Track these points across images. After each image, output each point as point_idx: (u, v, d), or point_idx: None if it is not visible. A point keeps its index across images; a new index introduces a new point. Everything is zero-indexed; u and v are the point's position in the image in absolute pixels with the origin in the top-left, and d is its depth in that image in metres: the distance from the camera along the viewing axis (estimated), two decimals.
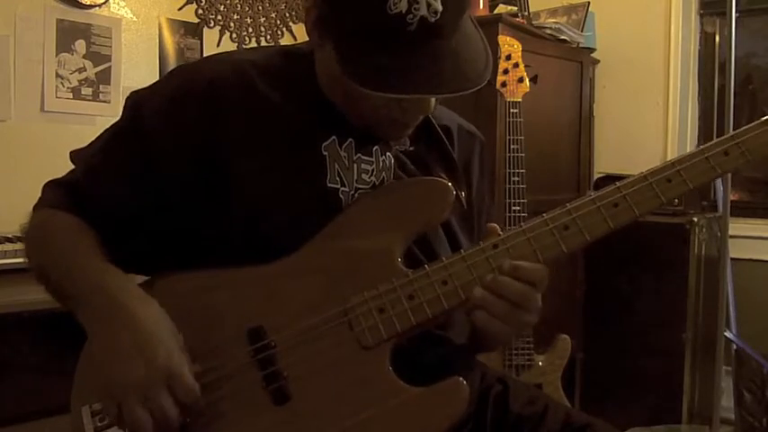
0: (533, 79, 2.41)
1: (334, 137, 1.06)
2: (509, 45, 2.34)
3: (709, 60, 3.36)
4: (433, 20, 0.91)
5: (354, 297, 0.98)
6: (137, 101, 1.08)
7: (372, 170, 1.08)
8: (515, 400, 1.19)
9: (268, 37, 3.42)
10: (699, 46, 3.36)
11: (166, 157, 1.03)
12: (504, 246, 0.98)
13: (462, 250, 1.00)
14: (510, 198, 2.38)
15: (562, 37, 3.06)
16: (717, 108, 3.25)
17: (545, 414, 1.17)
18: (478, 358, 1.23)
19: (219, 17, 3.24)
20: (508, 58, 2.34)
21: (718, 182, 2.67)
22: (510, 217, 2.35)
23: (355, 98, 0.99)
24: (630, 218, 0.98)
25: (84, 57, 2.77)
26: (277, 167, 1.03)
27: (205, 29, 3.19)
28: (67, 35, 2.73)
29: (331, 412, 0.95)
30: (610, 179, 2.99)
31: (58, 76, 2.71)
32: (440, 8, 0.92)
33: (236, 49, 3.21)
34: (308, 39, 1.08)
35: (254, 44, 3.37)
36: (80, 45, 2.76)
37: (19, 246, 2.10)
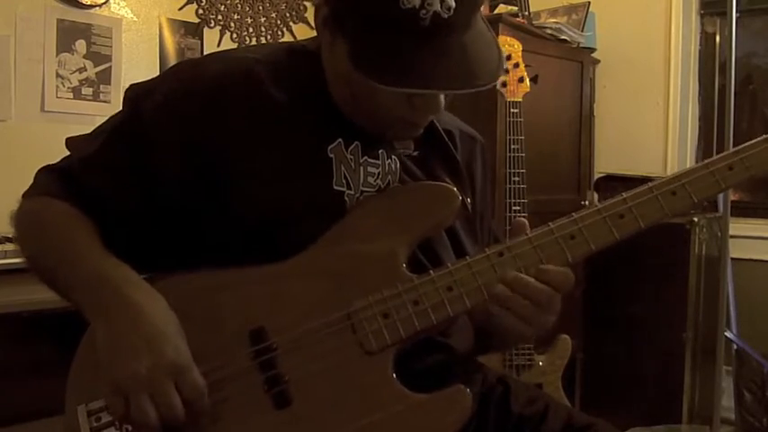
0: (534, 79, 2.41)
1: (340, 139, 1.05)
2: (509, 45, 2.34)
3: (709, 60, 3.36)
4: (446, 15, 0.91)
5: (358, 301, 0.97)
6: (137, 95, 1.06)
7: (378, 173, 1.07)
8: (516, 400, 1.19)
9: (268, 37, 3.42)
10: (699, 46, 3.36)
11: (164, 155, 1.01)
12: (510, 254, 0.98)
13: (468, 257, 0.99)
14: (510, 198, 2.38)
15: (562, 37, 3.06)
16: (717, 108, 3.25)
17: (546, 414, 1.16)
18: (478, 359, 1.23)
19: (220, 17, 3.24)
20: (508, 58, 2.33)
21: None
22: (510, 217, 2.35)
23: (365, 97, 0.99)
24: (635, 229, 0.99)
25: (84, 57, 2.78)
26: (281, 169, 1.02)
27: (205, 29, 3.20)
28: (68, 35, 2.73)
29: (332, 417, 0.95)
30: (610, 179, 3.00)
31: (58, 75, 2.71)
32: (453, 4, 0.91)
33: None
34: (310, 37, 1.08)
35: (254, 44, 3.37)
36: (80, 45, 2.77)
37: None
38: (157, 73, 2.99)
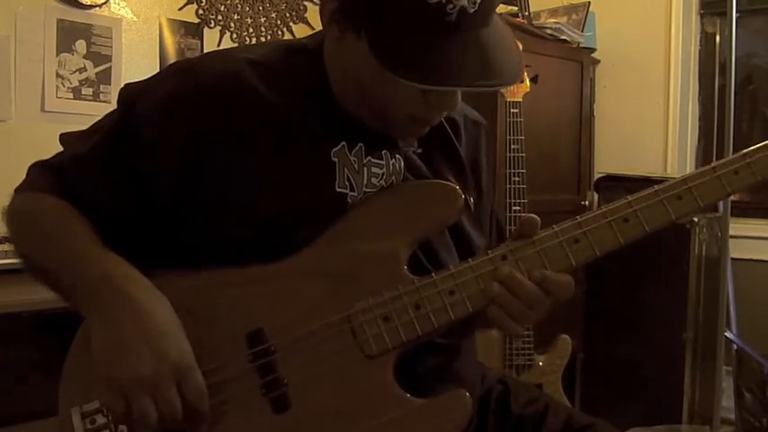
0: (534, 79, 2.41)
1: (343, 142, 1.02)
2: None
3: (709, 60, 3.36)
4: (472, 10, 0.89)
5: (358, 303, 0.96)
6: (131, 95, 1.03)
7: (382, 174, 1.05)
8: (516, 400, 1.18)
9: (268, 37, 3.42)
10: (699, 46, 3.36)
11: (157, 157, 0.98)
12: (513, 257, 0.97)
13: (470, 259, 0.98)
14: (510, 198, 2.38)
15: (562, 37, 3.06)
16: (717, 108, 3.25)
17: (546, 414, 1.16)
18: (478, 359, 1.23)
19: (220, 17, 3.24)
20: None
21: None
22: (510, 217, 2.35)
23: (377, 94, 0.96)
24: (640, 233, 0.97)
25: (84, 57, 2.78)
26: (281, 174, 0.99)
27: (205, 29, 3.19)
28: (68, 35, 2.73)
29: (331, 422, 0.94)
30: (610, 179, 3.00)
31: (58, 76, 2.71)
32: None
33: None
34: (309, 34, 1.06)
35: (253, 44, 3.36)
36: (80, 45, 2.77)
37: None
38: None
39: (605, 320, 2.89)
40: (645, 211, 0.98)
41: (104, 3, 2.82)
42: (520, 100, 2.38)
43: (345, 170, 1.02)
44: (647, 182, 2.93)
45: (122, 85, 1.07)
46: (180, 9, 3.10)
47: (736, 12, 2.45)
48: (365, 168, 1.04)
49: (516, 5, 2.90)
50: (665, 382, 2.77)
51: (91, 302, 0.94)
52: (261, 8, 3.39)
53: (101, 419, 0.95)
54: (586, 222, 0.98)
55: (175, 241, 1.01)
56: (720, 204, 2.61)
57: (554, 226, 0.98)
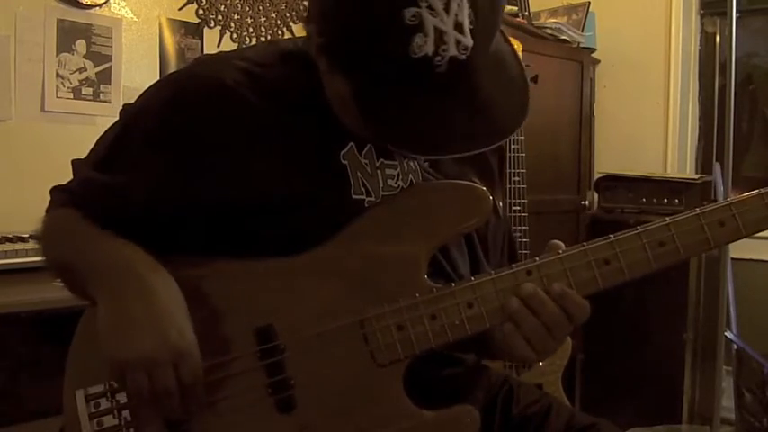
0: (534, 79, 2.41)
1: (351, 144, 0.99)
2: None
3: (709, 60, 3.35)
4: (463, 57, 0.82)
5: (373, 308, 0.93)
6: (129, 116, 1.03)
7: (398, 174, 1.02)
8: (519, 401, 1.18)
9: (268, 37, 3.42)
10: (699, 46, 3.36)
11: (158, 170, 0.97)
12: (539, 273, 0.92)
13: (493, 271, 0.94)
14: (510, 198, 2.38)
15: (562, 37, 3.06)
16: (717, 108, 3.25)
17: (548, 414, 1.16)
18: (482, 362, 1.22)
19: (220, 17, 3.24)
20: None
21: (719, 182, 2.67)
22: (510, 217, 2.35)
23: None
24: (676, 260, 0.91)
25: (84, 57, 2.77)
26: (294, 183, 0.96)
27: (205, 29, 3.19)
28: (68, 35, 2.73)
29: (335, 427, 0.93)
30: (610, 179, 3.00)
31: (58, 76, 2.70)
32: (470, 43, 0.83)
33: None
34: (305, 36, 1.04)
35: (251, 45, 3.36)
36: (80, 45, 2.76)
37: (19, 246, 2.09)
38: (157, 73, 2.99)
39: (605, 320, 2.89)
40: (683, 237, 0.91)
41: (104, 3, 2.82)
42: None
43: (358, 174, 0.99)
44: (647, 182, 2.93)
45: (122, 106, 1.07)
46: (180, 9, 3.09)
47: (736, 12, 2.45)
48: (379, 171, 1.01)
49: (516, 5, 2.90)
50: (665, 382, 2.77)
51: (100, 283, 0.94)
52: (261, 8, 3.38)
53: (105, 403, 0.95)
54: (619, 243, 0.92)
55: (186, 240, 1.00)
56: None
57: (584, 243, 0.93)
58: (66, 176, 1.09)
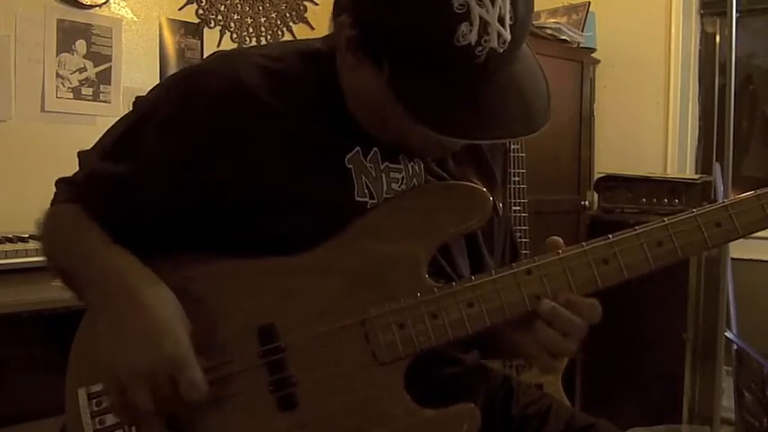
0: None
1: (357, 148, 0.99)
2: None
3: (709, 60, 3.35)
4: (501, 50, 0.85)
5: (374, 308, 0.94)
6: (142, 108, 1.04)
7: (402, 178, 1.02)
8: (519, 400, 1.18)
9: (268, 37, 3.42)
10: (699, 46, 3.36)
11: (168, 166, 0.98)
12: (538, 273, 0.93)
13: (493, 271, 0.95)
14: (511, 198, 2.38)
15: (562, 37, 3.06)
16: (717, 108, 3.25)
17: (548, 414, 1.16)
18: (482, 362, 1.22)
19: (220, 17, 3.24)
20: None
21: (719, 182, 2.67)
22: (511, 217, 2.35)
23: (396, 125, 0.91)
24: (673, 260, 0.93)
25: (84, 57, 2.77)
26: (299, 183, 0.97)
27: (205, 29, 3.19)
28: (68, 35, 2.73)
29: (337, 425, 0.93)
30: (610, 179, 3.00)
31: (58, 76, 2.70)
32: (509, 37, 0.85)
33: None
34: (322, 37, 1.03)
35: (254, 44, 3.36)
36: (80, 45, 2.76)
37: (19, 246, 2.10)
38: (157, 73, 2.99)
39: (605, 320, 2.89)
40: (681, 237, 0.92)
41: (104, 3, 2.82)
42: None
43: (363, 177, 1.00)
44: (646, 181, 2.93)
45: (134, 98, 1.08)
46: (180, 9, 3.10)
47: (736, 12, 2.45)
48: (383, 175, 1.01)
49: None
50: (665, 382, 2.76)
51: (97, 295, 0.95)
52: (261, 8, 3.38)
53: (107, 402, 0.95)
54: (618, 243, 0.93)
55: (189, 237, 1.00)
56: None
57: (583, 243, 0.94)
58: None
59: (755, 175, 3.23)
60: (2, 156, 2.48)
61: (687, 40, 3.31)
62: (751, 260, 2.97)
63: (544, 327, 0.91)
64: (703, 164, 3.34)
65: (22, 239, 2.13)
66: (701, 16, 3.34)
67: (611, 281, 0.93)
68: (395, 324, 0.93)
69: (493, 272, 0.94)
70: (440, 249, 1.01)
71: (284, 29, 3.49)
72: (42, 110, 2.66)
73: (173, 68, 2.99)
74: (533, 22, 2.97)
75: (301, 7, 3.53)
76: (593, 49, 3.27)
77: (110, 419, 0.95)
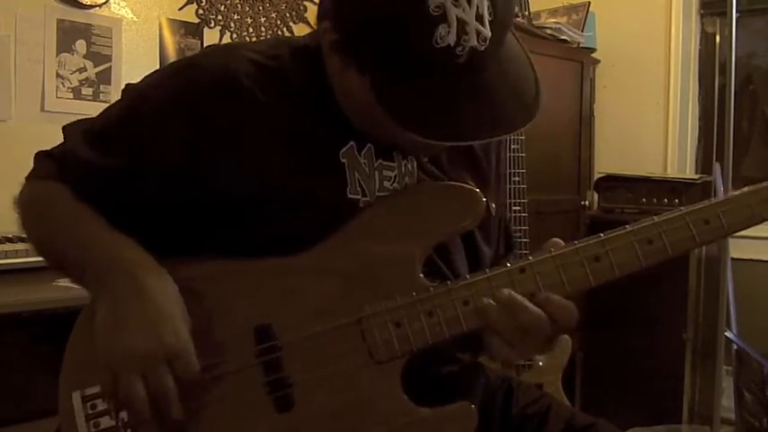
0: None
1: (352, 142, 0.99)
2: None
3: (709, 60, 3.35)
4: (482, 48, 0.85)
5: (370, 306, 0.94)
6: (133, 96, 1.03)
7: (395, 176, 1.03)
8: (519, 400, 1.18)
9: (268, 37, 3.42)
10: (699, 46, 3.36)
11: (157, 158, 0.97)
12: (532, 271, 0.93)
13: (487, 270, 0.95)
14: (510, 198, 2.38)
15: (562, 37, 3.06)
16: (717, 108, 3.25)
17: (548, 414, 1.16)
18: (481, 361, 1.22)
19: (220, 17, 3.24)
20: None
21: (719, 182, 2.67)
22: (510, 217, 2.35)
23: (384, 125, 0.90)
24: (664, 258, 0.93)
25: (84, 57, 2.77)
26: (291, 177, 0.96)
27: (205, 29, 3.19)
28: (68, 35, 2.73)
29: (334, 425, 0.93)
30: (610, 179, 3.00)
31: (58, 76, 2.70)
32: (489, 34, 0.85)
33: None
34: (311, 33, 1.03)
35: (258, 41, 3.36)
36: (80, 45, 2.76)
37: (19, 246, 2.09)
38: None
39: (605, 320, 2.89)
40: (671, 234, 0.93)
41: (104, 3, 2.82)
42: None
43: (356, 174, 1.00)
44: (646, 182, 2.92)
45: (124, 86, 1.06)
46: (180, 9, 3.09)
47: (736, 12, 2.45)
48: (376, 172, 1.01)
49: (516, 5, 2.90)
50: (665, 382, 2.77)
51: (97, 282, 0.94)
52: (261, 8, 3.38)
53: (102, 404, 0.94)
54: (609, 241, 0.94)
55: (181, 234, 0.99)
56: None
57: (575, 242, 0.95)
58: None
59: (755, 175, 3.23)
60: (2, 156, 2.47)
61: (687, 40, 3.31)
62: (751, 260, 2.98)
63: (505, 323, 0.91)
64: (703, 164, 3.35)
65: (23, 239, 2.13)
66: (701, 16, 3.35)
67: (603, 278, 0.94)
68: (391, 322, 0.94)
69: (487, 270, 0.95)
70: (436, 249, 1.01)
71: (284, 29, 3.49)
72: (42, 110, 2.66)
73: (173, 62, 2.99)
74: (533, 22, 2.98)
75: (301, 7, 3.53)
76: (593, 49, 3.27)
77: (104, 422, 0.94)
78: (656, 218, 0.94)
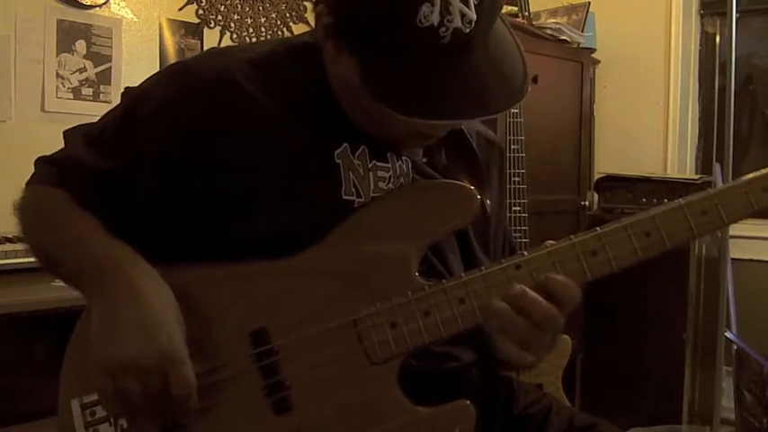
0: (534, 79, 2.40)
1: (346, 144, 0.99)
2: None
3: (709, 60, 3.36)
4: (467, 30, 0.85)
5: (365, 307, 0.94)
6: (131, 100, 1.03)
7: (389, 177, 1.02)
8: (519, 401, 1.18)
9: (268, 37, 3.42)
10: (699, 46, 3.36)
11: (153, 161, 0.97)
12: (528, 267, 0.92)
13: (483, 267, 0.94)
14: (510, 198, 2.38)
15: (562, 37, 3.06)
16: (717, 108, 3.25)
17: (549, 415, 1.16)
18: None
19: (220, 17, 3.24)
20: None
21: (719, 182, 2.67)
22: (510, 217, 2.35)
23: (376, 113, 0.91)
24: (661, 250, 0.93)
25: (84, 57, 2.78)
26: (284, 181, 0.97)
27: (205, 29, 3.19)
28: (68, 35, 2.73)
29: (333, 426, 0.93)
30: (610, 179, 3.00)
31: (58, 76, 2.71)
32: (474, 16, 0.85)
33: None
34: (310, 30, 1.03)
35: (255, 42, 3.36)
36: (81, 45, 2.76)
37: (19, 246, 2.09)
38: None
39: (605, 320, 2.89)
40: (668, 227, 0.93)
41: (104, 3, 2.82)
42: None
43: (351, 175, 1.00)
44: (647, 182, 2.92)
45: (123, 89, 1.07)
46: (180, 9, 3.10)
47: (736, 12, 2.45)
48: (371, 173, 1.01)
49: (516, 5, 2.90)
50: (665, 382, 2.77)
51: (93, 286, 0.94)
52: (261, 8, 3.38)
53: (101, 412, 0.94)
54: (606, 235, 0.93)
55: (179, 237, 1.00)
56: None
57: (571, 236, 0.94)
58: None
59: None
60: (2, 156, 2.48)
61: (687, 40, 3.31)
62: (751, 260, 2.98)
63: (515, 318, 0.89)
64: (703, 164, 3.35)
65: (23, 239, 2.13)
66: (701, 16, 3.35)
67: (600, 272, 0.93)
68: (387, 323, 0.93)
69: (482, 267, 0.94)
70: (431, 248, 1.01)
71: (284, 29, 3.49)
72: (42, 110, 2.66)
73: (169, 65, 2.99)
74: (533, 23, 2.98)
75: (301, 7, 3.53)
76: (593, 50, 3.27)
77: (104, 429, 0.94)
78: (651, 210, 0.94)
